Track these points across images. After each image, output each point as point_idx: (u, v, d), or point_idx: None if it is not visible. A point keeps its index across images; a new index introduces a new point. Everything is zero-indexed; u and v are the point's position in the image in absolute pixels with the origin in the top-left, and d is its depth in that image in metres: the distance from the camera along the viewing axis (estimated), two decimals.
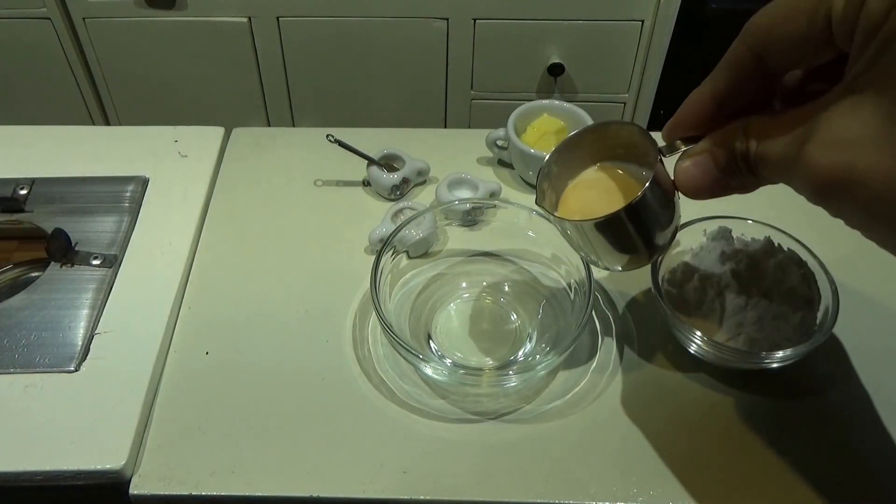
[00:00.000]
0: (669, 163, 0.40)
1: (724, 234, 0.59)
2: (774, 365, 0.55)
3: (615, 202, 0.43)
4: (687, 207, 0.63)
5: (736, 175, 0.36)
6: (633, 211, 0.41)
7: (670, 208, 0.43)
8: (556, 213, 0.46)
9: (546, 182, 0.47)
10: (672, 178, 0.40)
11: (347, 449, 0.52)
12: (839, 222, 0.62)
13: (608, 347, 0.59)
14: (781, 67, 0.33)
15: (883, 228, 0.28)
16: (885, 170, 0.27)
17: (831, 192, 0.29)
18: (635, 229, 0.43)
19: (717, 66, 0.36)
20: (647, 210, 0.41)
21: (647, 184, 0.39)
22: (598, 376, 0.57)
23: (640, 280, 0.63)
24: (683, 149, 0.39)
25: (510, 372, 0.54)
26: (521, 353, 0.58)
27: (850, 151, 0.28)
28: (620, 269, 0.47)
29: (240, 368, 0.57)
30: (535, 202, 0.47)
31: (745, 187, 0.37)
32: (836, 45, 0.30)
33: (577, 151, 0.47)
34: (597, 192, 0.46)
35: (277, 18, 1.29)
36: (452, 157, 0.75)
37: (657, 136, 0.42)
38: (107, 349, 0.57)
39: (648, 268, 0.57)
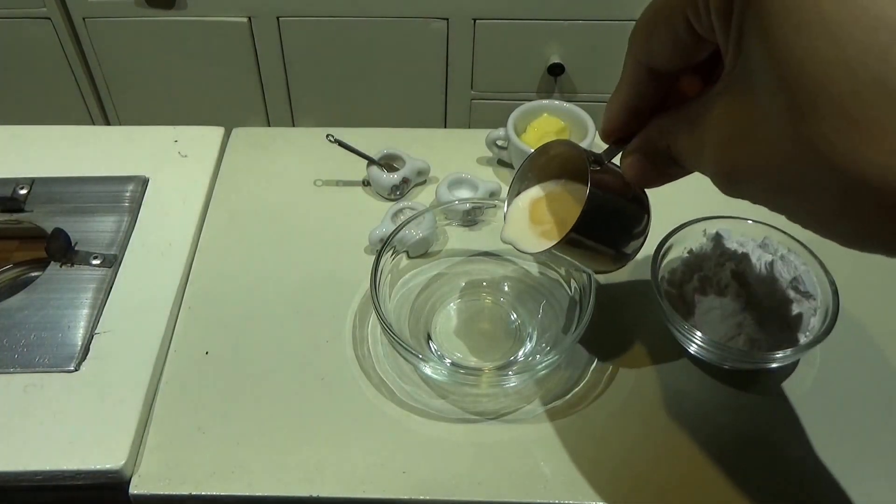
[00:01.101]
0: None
1: (724, 234, 0.59)
2: (774, 365, 0.56)
3: (569, 222, 0.43)
4: (687, 208, 0.64)
5: (668, 166, 0.36)
6: (585, 225, 0.41)
7: (630, 203, 0.43)
8: (520, 247, 0.47)
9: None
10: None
11: (347, 449, 0.52)
12: None
13: (608, 347, 0.59)
14: (673, 71, 0.33)
15: (789, 213, 0.28)
16: (763, 164, 0.27)
17: (731, 186, 0.30)
18: (597, 238, 0.43)
19: (620, 79, 0.36)
20: (599, 218, 0.41)
21: (587, 197, 0.40)
22: (598, 376, 0.57)
23: (640, 280, 0.63)
24: (619, 150, 0.40)
25: (510, 372, 0.54)
26: (521, 353, 0.58)
27: (732, 149, 0.28)
28: (612, 269, 0.47)
29: (240, 368, 0.57)
30: (500, 238, 0.48)
31: (685, 173, 0.37)
32: (706, 40, 0.30)
33: (532, 180, 0.48)
34: (553, 213, 0.47)
35: (277, 18, 1.29)
36: (452, 157, 0.75)
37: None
38: (107, 349, 0.57)
39: (648, 268, 0.57)
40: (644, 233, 0.44)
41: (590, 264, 0.47)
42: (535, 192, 0.48)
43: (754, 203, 0.29)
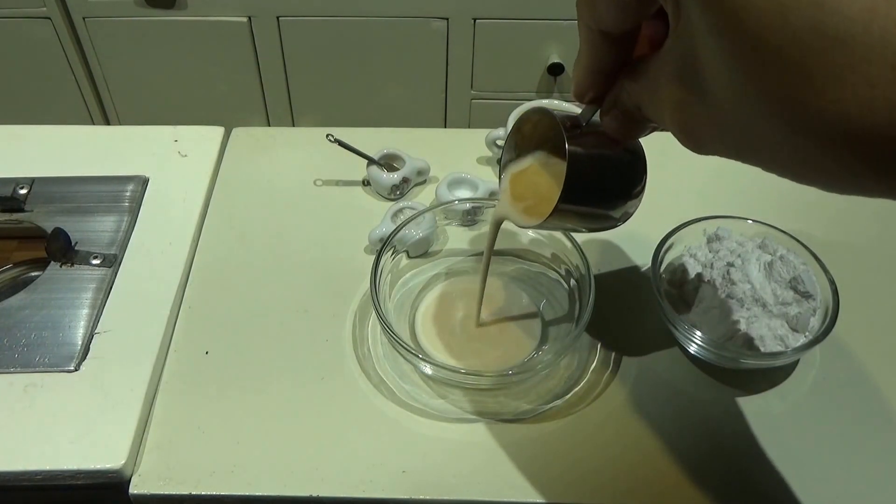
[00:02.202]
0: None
1: (724, 233, 0.59)
2: (774, 365, 0.56)
3: (557, 190, 0.42)
4: (687, 208, 0.64)
5: (645, 121, 0.36)
6: (572, 191, 0.40)
7: (620, 156, 0.42)
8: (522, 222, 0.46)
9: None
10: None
11: (347, 449, 0.52)
12: (838, 222, 0.62)
13: (608, 347, 0.59)
14: (626, 30, 0.33)
15: (756, 164, 0.28)
16: (718, 120, 0.27)
17: (695, 146, 0.29)
18: (589, 199, 0.42)
19: (580, 44, 0.35)
20: (585, 180, 0.40)
21: (567, 164, 0.39)
22: (598, 376, 0.57)
23: (640, 280, 0.63)
24: (596, 109, 0.39)
25: (510, 372, 0.54)
26: None
27: (688, 108, 0.28)
28: (617, 222, 0.46)
29: (240, 368, 0.57)
30: (493, 215, 0.48)
31: (660, 127, 0.36)
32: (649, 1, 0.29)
33: (521, 150, 0.47)
34: (542, 183, 0.46)
35: (277, 18, 1.29)
36: (452, 156, 0.75)
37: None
38: (107, 349, 0.57)
39: (649, 268, 0.57)
40: (642, 180, 0.43)
41: (593, 224, 0.46)
42: (523, 163, 0.47)
43: (723, 157, 0.29)
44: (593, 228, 0.47)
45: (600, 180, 0.41)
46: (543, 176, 0.46)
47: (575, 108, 0.72)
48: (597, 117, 0.39)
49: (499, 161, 0.74)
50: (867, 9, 0.20)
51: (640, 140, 0.41)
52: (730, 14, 0.23)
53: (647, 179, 0.43)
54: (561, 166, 0.40)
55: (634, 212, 0.44)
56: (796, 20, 0.21)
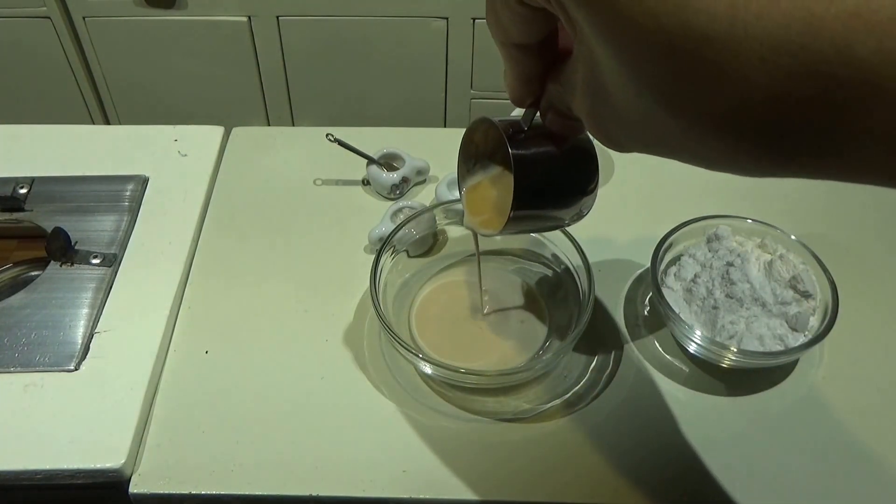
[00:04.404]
0: None
1: (724, 233, 0.59)
2: (774, 364, 0.56)
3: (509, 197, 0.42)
4: (686, 207, 0.64)
5: (578, 118, 0.36)
6: (522, 198, 0.40)
7: (565, 157, 0.41)
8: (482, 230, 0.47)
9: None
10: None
11: (347, 448, 0.52)
12: (837, 221, 0.63)
13: (608, 347, 0.59)
14: (538, 40, 0.33)
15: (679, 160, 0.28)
16: (627, 122, 0.27)
17: (617, 148, 0.30)
18: (545, 200, 0.42)
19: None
20: (535, 182, 0.40)
21: (513, 169, 0.39)
22: (597, 376, 0.57)
23: (640, 279, 0.63)
24: (535, 110, 0.39)
25: (510, 372, 0.54)
26: None
27: (600, 113, 0.29)
28: (575, 220, 0.45)
29: (240, 368, 0.57)
30: (464, 224, 0.48)
31: None
32: (548, 11, 0.29)
33: (476, 163, 0.47)
34: (494, 195, 0.46)
35: (277, 18, 1.29)
36: (452, 156, 0.74)
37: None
38: (107, 348, 0.57)
39: (649, 268, 0.57)
40: (595, 175, 0.42)
41: (551, 223, 0.46)
42: (477, 177, 0.47)
43: (642, 154, 0.29)
44: (554, 227, 0.47)
45: (549, 180, 0.41)
46: (496, 187, 0.46)
47: None
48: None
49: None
50: (729, 5, 0.21)
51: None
52: (610, 22, 0.24)
53: (598, 176, 0.42)
54: (510, 175, 0.40)
55: (592, 206, 0.43)
56: (667, 23, 0.22)
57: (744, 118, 0.22)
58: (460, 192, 0.48)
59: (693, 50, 0.22)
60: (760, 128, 0.22)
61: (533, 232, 0.46)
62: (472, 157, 0.47)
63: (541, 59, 0.34)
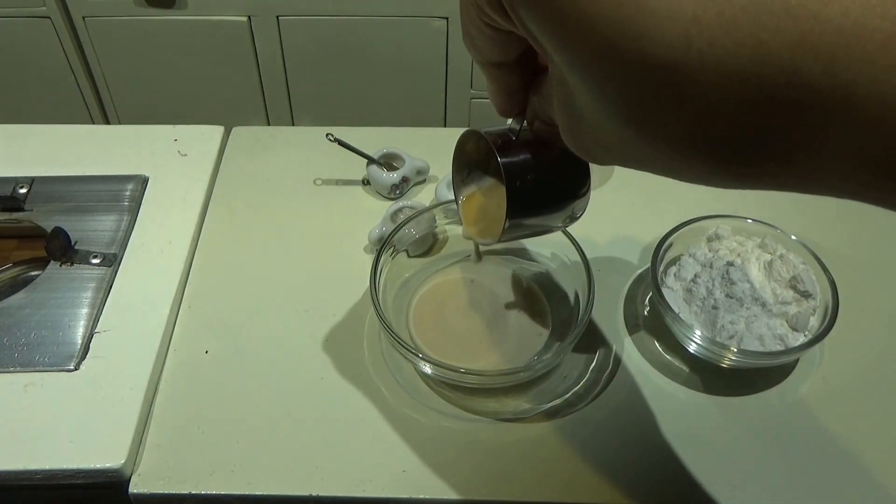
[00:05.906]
0: None
1: (724, 233, 0.59)
2: (774, 364, 0.56)
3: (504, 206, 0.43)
4: (686, 207, 0.64)
5: None
6: (515, 207, 0.40)
7: (555, 162, 0.41)
8: (484, 239, 0.47)
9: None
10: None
11: (347, 448, 0.52)
12: (837, 221, 0.63)
13: (608, 347, 0.59)
14: (514, 58, 0.33)
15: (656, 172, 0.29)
16: (600, 138, 0.28)
17: (595, 160, 0.31)
18: (539, 206, 0.42)
19: None
20: (526, 193, 0.40)
21: (504, 179, 0.39)
22: (597, 376, 0.57)
23: (640, 279, 0.63)
24: (523, 119, 0.39)
25: (510, 372, 0.54)
26: None
27: (575, 129, 0.29)
28: (569, 223, 0.46)
29: (240, 368, 0.57)
30: (462, 235, 0.49)
31: None
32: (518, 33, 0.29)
33: (470, 169, 0.47)
34: (489, 204, 0.46)
35: (277, 18, 1.29)
36: (452, 156, 0.74)
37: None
38: (106, 348, 0.57)
39: (649, 268, 0.57)
40: (586, 178, 0.42)
41: (547, 228, 0.46)
42: (471, 187, 0.48)
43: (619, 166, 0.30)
44: (550, 231, 0.47)
45: (541, 187, 0.41)
46: (491, 196, 0.46)
47: None
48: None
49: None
50: (683, 34, 0.21)
51: None
52: (573, 52, 0.24)
53: (589, 179, 0.42)
54: (503, 184, 0.41)
55: (585, 208, 0.44)
56: (626, 54, 0.22)
57: (704, 137, 0.23)
58: (457, 203, 0.49)
59: (652, 77, 0.22)
60: (721, 146, 0.23)
61: (531, 237, 0.46)
62: (466, 168, 0.48)
63: (521, 74, 0.35)
